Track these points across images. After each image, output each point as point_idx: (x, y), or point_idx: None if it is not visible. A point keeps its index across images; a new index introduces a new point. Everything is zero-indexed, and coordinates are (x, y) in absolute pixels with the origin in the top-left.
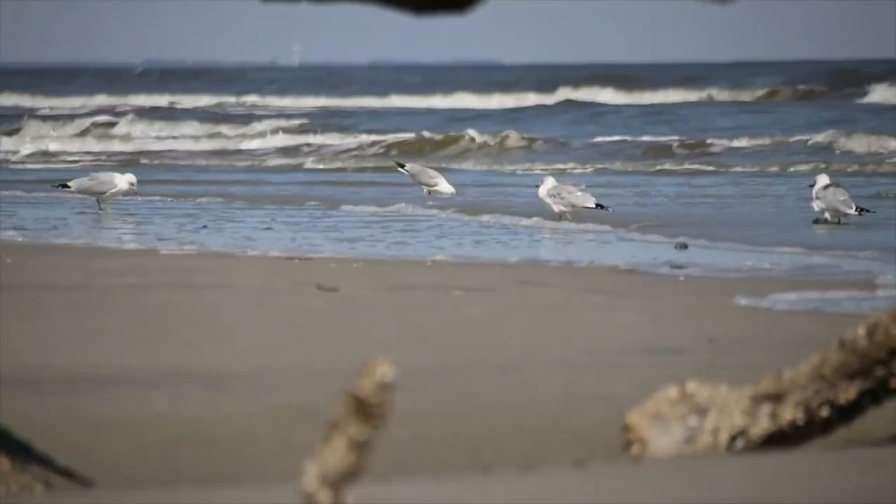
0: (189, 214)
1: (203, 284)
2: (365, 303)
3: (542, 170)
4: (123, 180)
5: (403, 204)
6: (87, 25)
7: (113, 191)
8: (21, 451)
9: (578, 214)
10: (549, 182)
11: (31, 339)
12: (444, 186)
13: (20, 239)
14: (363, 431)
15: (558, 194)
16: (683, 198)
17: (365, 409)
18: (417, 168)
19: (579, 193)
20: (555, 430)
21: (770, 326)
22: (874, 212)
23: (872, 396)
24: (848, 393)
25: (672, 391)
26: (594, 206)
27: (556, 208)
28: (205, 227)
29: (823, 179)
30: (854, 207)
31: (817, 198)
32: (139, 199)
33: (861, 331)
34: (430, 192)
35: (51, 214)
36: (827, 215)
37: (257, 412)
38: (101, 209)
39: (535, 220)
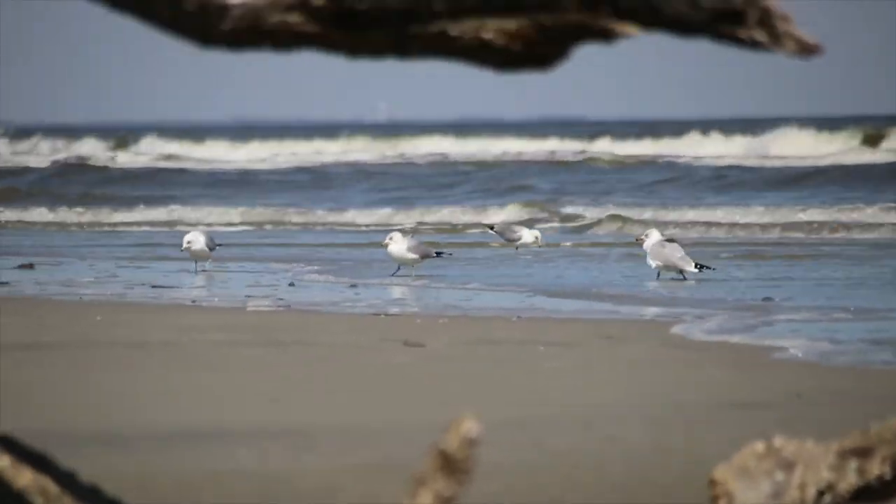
0: (276, 272)
1: (289, 341)
2: (451, 358)
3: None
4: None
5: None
6: (173, 84)
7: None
8: None
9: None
10: (655, 235)
11: (120, 395)
12: (527, 237)
13: (110, 296)
14: (449, 486)
15: (661, 250)
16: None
17: (451, 465)
18: (503, 226)
19: (679, 255)
20: (640, 485)
21: (857, 383)
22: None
23: None
24: None
25: (759, 446)
26: (696, 268)
27: (654, 264)
28: (292, 284)
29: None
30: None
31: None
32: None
33: None
34: (518, 248)
35: (144, 276)
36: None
37: (343, 468)
38: (195, 269)
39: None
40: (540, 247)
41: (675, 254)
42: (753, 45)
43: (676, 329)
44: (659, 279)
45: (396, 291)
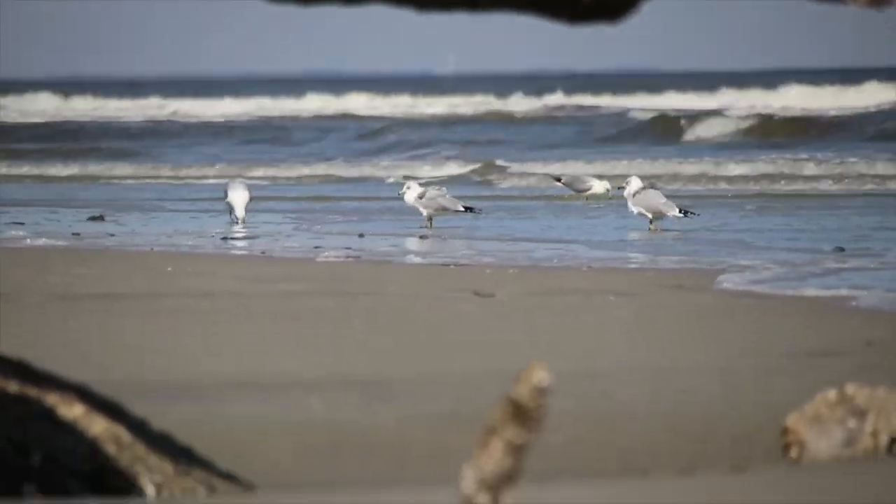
0: (347, 221)
1: (359, 291)
2: (520, 308)
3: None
4: (601, 185)
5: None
6: (257, 35)
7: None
8: (183, 456)
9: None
10: (635, 182)
11: (191, 346)
12: (598, 187)
13: (182, 248)
14: (520, 435)
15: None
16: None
17: (522, 414)
18: (571, 177)
19: (662, 201)
20: (712, 434)
21: None
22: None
23: None
24: None
25: (831, 394)
26: (680, 213)
27: (636, 210)
28: (362, 235)
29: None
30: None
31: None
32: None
33: None
34: (587, 198)
35: (207, 225)
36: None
37: (414, 417)
38: (236, 219)
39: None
40: (610, 199)
41: (658, 199)
42: None
43: (747, 278)
44: (652, 225)
45: (467, 242)
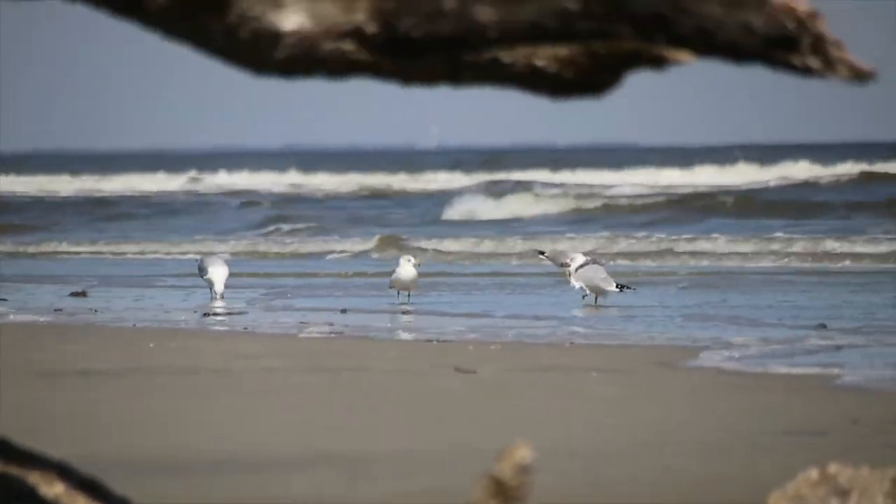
0: (330, 297)
1: (342, 367)
2: (503, 385)
3: None
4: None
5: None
6: (231, 110)
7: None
8: None
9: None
10: (579, 258)
11: (173, 422)
12: (579, 261)
13: (164, 325)
14: None
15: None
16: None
17: (504, 492)
18: (553, 252)
19: (602, 276)
20: None
21: None
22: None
23: None
24: None
25: (813, 473)
26: (617, 288)
27: (577, 285)
28: (344, 311)
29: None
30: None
31: (575, 276)
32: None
33: None
34: (568, 274)
35: (184, 302)
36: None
37: (398, 494)
38: (216, 295)
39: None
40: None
41: (598, 275)
42: (807, 71)
43: (729, 356)
44: (595, 302)
45: (448, 318)
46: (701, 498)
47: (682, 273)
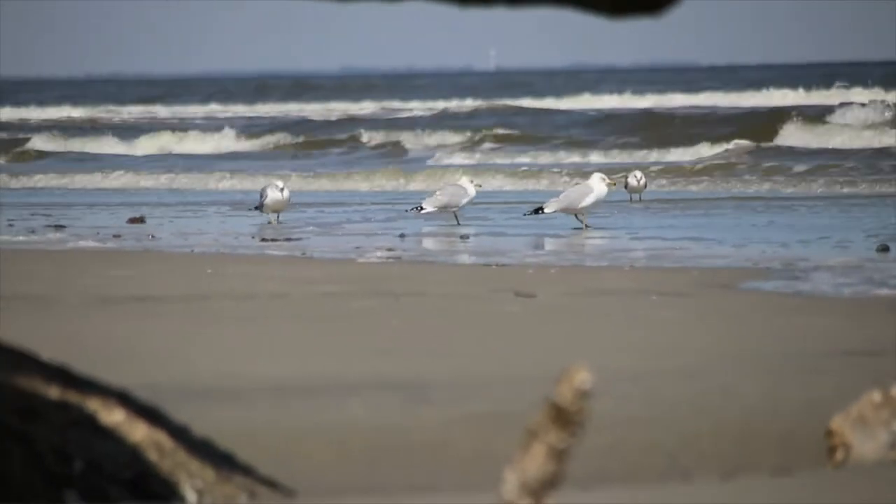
0: (387, 220)
1: (401, 292)
2: (562, 309)
3: None
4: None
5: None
6: (282, 33)
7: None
8: (224, 462)
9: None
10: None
11: (232, 348)
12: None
13: (222, 250)
14: (562, 439)
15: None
16: None
17: (564, 417)
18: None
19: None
20: (755, 436)
21: None
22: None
23: None
24: None
25: (875, 395)
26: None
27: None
28: (402, 235)
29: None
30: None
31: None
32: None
33: None
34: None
35: (245, 226)
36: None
37: (455, 419)
38: (277, 219)
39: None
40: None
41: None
42: None
43: (789, 277)
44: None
45: (509, 241)
46: (762, 420)
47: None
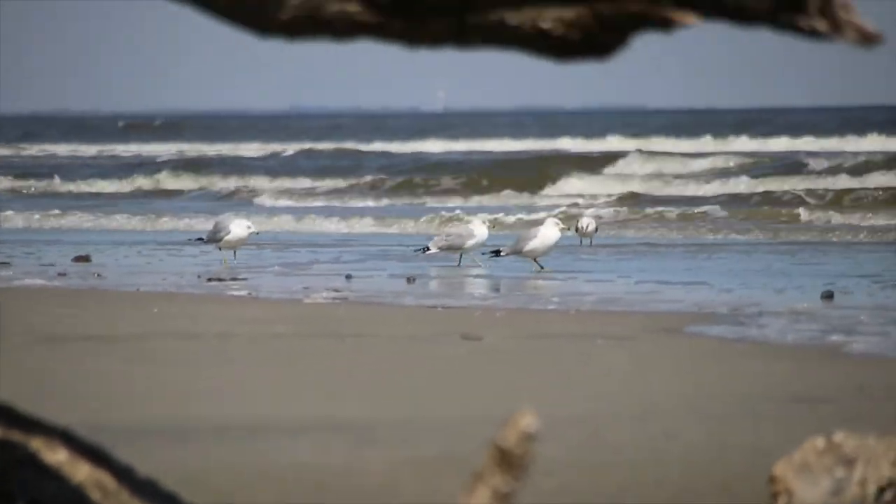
0: (334, 262)
1: (348, 333)
2: (508, 352)
3: None
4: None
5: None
6: (238, 74)
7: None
8: (168, 502)
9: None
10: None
11: (177, 388)
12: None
13: (170, 289)
14: (507, 482)
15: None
16: None
17: (509, 460)
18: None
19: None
20: (699, 480)
21: None
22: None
23: None
24: None
25: (819, 442)
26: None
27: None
28: (349, 276)
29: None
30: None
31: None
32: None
33: None
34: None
35: (192, 265)
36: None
37: (402, 461)
38: (231, 259)
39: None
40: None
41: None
42: (814, 34)
43: (735, 323)
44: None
45: (455, 284)
46: (705, 465)
47: (686, 243)
